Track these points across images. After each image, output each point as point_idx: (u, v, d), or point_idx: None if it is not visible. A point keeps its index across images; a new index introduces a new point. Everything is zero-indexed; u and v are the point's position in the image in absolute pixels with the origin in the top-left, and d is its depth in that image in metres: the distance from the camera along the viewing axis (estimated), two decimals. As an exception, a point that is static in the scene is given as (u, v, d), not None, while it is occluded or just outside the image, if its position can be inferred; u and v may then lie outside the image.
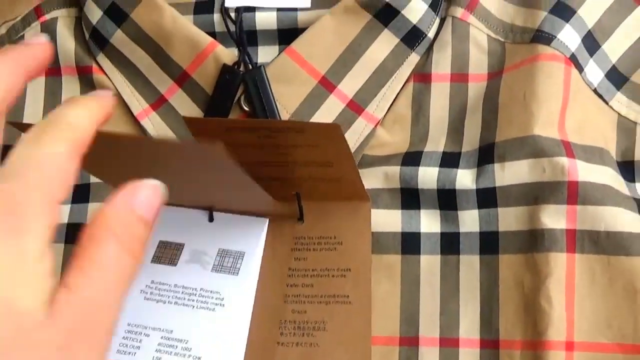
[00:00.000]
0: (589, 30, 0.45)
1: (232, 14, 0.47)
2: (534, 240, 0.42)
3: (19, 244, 0.26)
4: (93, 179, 0.46)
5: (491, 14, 0.46)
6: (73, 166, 0.28)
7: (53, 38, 0.49)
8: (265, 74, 0.45)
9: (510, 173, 0.42)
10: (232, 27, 0.47)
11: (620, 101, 0.45)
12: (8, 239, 0.26)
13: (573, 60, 0.44)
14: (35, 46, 0.33)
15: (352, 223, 0.43)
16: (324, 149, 0.39)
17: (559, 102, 0.43)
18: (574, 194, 0.41)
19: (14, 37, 0.50)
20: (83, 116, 0.30)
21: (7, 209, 0.26)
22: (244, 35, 0.46)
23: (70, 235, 0.46)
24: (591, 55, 0.45)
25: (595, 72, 0.45)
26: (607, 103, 0.45)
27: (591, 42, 0.45)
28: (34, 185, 0.27)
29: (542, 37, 0.44)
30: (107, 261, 0.28)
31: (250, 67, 0.45)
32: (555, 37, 0.44)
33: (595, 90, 0.45)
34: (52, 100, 0.49)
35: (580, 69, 0.44)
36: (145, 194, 0.29)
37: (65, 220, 0.46)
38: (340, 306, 0.42)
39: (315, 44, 0.45)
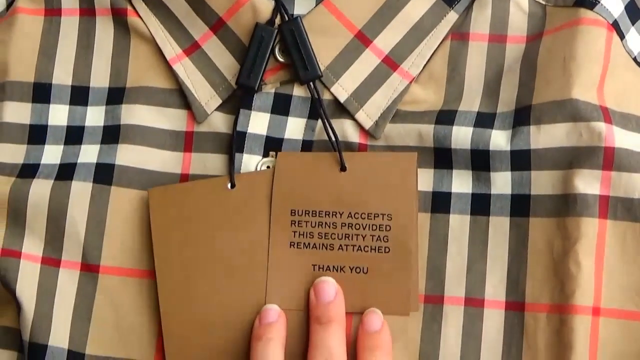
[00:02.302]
0: None
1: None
2: (566, 205, 0.41)
3: None
4: (124, 121, 0.46)
5: None
6: None
7: None
8: (303, 25, 0.44)
9: (547, 136, 0.42)
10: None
11: None
12: None
13: (615, 27, 0.44)
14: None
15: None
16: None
17: (599, 67, 0.43)
18: (609, 160, 0.41)
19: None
20: None
21: None
22: None
23: (99, 174, 0.46)
24: (633, 23, 0.45)
25: (636, 41, 0.45)
26: None
27: (634, 10, 0.45)
28: None
29: (585, 1, 0.44)
30: None
31: (287, 18, 0.45)
32: (599, 2, 0.44)
33: (635, 59, 0.44)
34: (86, 40, 0.48)
35: (621, 36, 0.44)
36: None
37: (95, 160, 0.46)
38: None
39: None
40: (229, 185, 0.44)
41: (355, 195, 0.43)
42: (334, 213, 0.43)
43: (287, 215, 0.43)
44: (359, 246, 0.42)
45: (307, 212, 0.43)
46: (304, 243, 0.43)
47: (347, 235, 0.43)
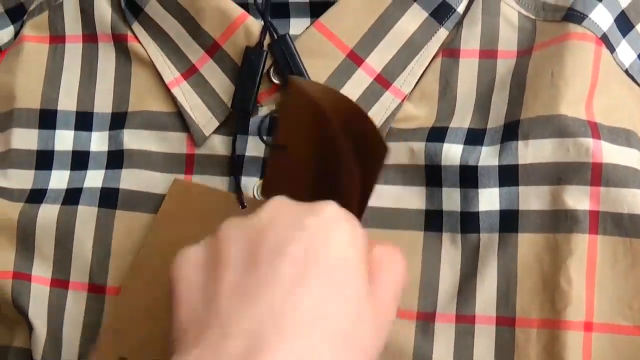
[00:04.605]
0: (622, 10, 0.45)
1: (265, -14, 0.48)
2: (556, 221, 0.42)
3: None
4: (127, 146, 0.48)
5: None
6: None
7: (90, 5, 0.50)
8: (293, 45, 0.45)
9: (534, 151, 0.42)
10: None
11: None
12: None
13: (604, 40, 0.44)
14: None
15: None
16: None
17: (587, 81, 0.43)
18: (597, 175, 0.41)
19: (52, 3, 0.51)
20: None
21: None
22: (268, 6, 0.47)
23: (104, 199, 0.47)
24: (624, 35, 0.45)
25: (627, 53, 0.45)
26: (638, 84, 0.44)
27: (624, 22, 0.45)
28: None
29: (573, 15, 0.44)
30: None
31: (276, 37, 0.46)
32: (587, 16, 0.44)
33: (626, 71, 0.44)
34: (89, 67, 0.50)
35: (612, 49, 0.44)
36: None
37: (100, 185, 0.48)
38: None
39: (344, 17, 0.45)
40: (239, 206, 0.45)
41: None
42: None
43: None
44: None
45: None
46: None
47: None
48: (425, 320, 0.43)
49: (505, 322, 0.42)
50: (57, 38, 0.51)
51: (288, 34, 0.45)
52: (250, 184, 0.46)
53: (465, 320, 0.42)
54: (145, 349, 0.43)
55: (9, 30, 0.52)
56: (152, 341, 0.43)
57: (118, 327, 0.44)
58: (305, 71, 0.45)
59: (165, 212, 0.45)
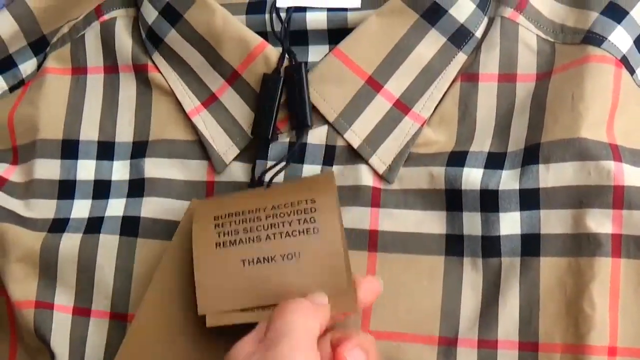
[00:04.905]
0: None
1: (283, 15, 0.48)
2: (578, 244, 0.41)
3: None
4: (148, 175, 0.48)
5: (541, 14, 0.46)
6: None
7: (111, 37, 0.50)
8: (305, 76, 0.46)
9: (555, 175, 0.42)
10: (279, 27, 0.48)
11: None
12: None
13: (624, 62, 0.43)
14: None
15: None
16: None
17: (607, 104, 0.43)
18: (619, 198, 0.41)
19: (74, 36, 0.52)
20: None
21: None
22: (287, 34, 0.47)
23: (125, 227, 0.48)
24: None
25: None
26: None
27: None
28: None
29: (592, 38, 0.44)
30: None
31: (293, 63, 0.46)
32: (606, 38, 0.43)
33: None
34: (110, 97, 0.50)
35: (631, 71, 0.44)
36: None
37: (121, 214, 0.48)
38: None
39: (362, 44, 0.45)
40: None
41: (278, 195, 0.43)
42: (257, 209, 0.42)
43: (211, 221, 0.42)
44: (287, 232, 0.41)
45: (229, 214, 0.42)
46: (230, 241, 0.42)
47: (272, 225, 0.41)
48: (448, 345, 0.42)
49: (528, 347, 0.41)
50: (79, 69, 0.51)
51: (305, 62, 0.46)
52: (271, 211, 0.46)
53: (487, 346, 0.42)
54: None
55: (32, 63, 0.53)
56: None
57: (133, 351, 0.44)
58: (308, 97, 0.46)
59: (181, 233, 0.45)
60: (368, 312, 0.44)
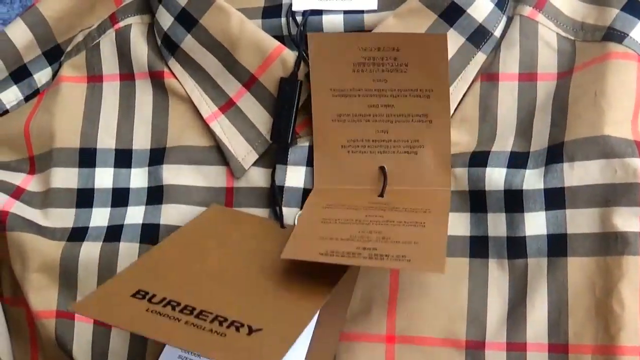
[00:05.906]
0: None
1: (299, 18, 0.48)
2: (606, 243, 0.41)
3: None
4: (166, 182, 0.47)
5: (561, 12, 0.46)
6: None
7: (127, 44, 0.50)
8: None
9: (580, 173, 0.42)
10: (296, 31, 0.48)
11: None
12: None
13: None
14: None
15: None
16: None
17: (631, 100, 0.42)
18: None
19: (89, 44, 0.52)
20: None
21: None
22: (304, 37, 0.47)
23: (145, 235, 0.47)
24: None
25: None
26: None
27: None
28: None
29: (613, 35, 0.43)
30: None
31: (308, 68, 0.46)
32: (628, 35, 0.43)
33: None
34: (126, 104, 0.50)
35: None
36: None
37: (140, 221, 0.48)
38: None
39: None
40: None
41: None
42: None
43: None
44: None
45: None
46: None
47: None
48: (476, 349, 0.42)
49: (558, 349, 0.41)
50: (95, 77, 0.51)
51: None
52: (291, 215, 0.46)
53: (516, 348, 0.41)
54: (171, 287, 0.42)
55: (47, 72, 0.53)
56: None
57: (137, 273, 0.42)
58: None
59: (189, 226, 0.45)
60: (393, 316, 0.43)
